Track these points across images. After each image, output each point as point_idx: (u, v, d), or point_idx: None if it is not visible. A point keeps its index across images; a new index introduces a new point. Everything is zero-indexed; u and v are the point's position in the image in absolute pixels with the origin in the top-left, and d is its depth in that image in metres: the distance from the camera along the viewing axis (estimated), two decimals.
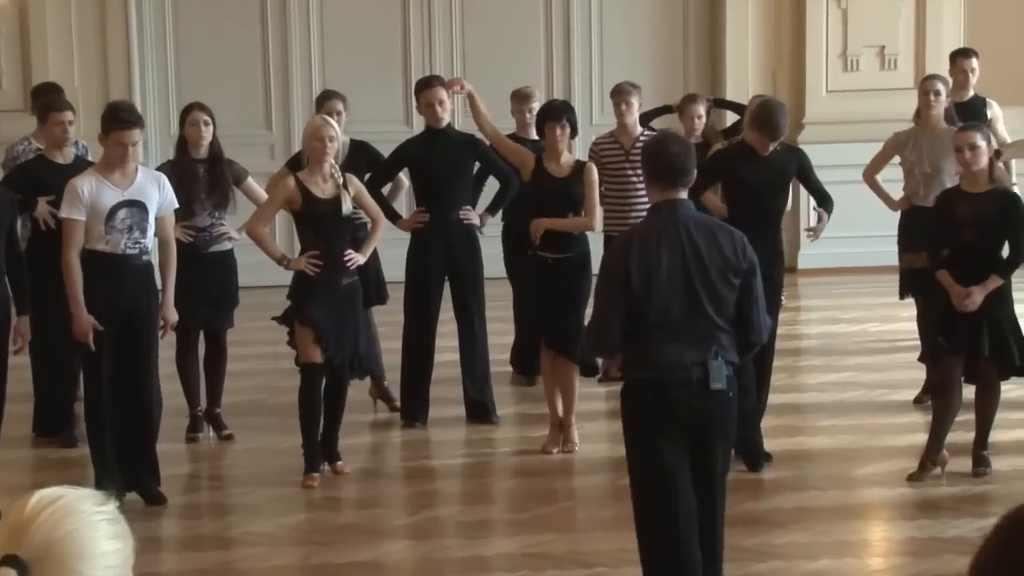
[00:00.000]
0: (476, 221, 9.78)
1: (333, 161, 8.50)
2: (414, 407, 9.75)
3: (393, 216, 9.52)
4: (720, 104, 12.56)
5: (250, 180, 9.52)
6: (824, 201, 9.00)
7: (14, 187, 8.88)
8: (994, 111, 11.12)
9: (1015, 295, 8.48)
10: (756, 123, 8.65)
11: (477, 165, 9.85)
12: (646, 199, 9.70)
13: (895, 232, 10.25)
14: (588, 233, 9.17)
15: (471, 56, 14.81)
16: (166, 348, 8.84)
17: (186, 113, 9.41)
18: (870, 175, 10.27)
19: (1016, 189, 9.49)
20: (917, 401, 9.96)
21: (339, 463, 8.77)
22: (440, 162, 9.55)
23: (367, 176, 9.41)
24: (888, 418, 9.68)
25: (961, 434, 8.54)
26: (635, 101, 10.55)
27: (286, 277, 8.74)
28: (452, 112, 10.04)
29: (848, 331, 12.39)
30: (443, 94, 9.63)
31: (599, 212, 9.29)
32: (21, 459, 9.29)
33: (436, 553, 7.49)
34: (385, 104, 14.38)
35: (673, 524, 5.89)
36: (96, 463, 8.14)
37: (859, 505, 8.12)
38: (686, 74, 15.11)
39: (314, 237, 8.54)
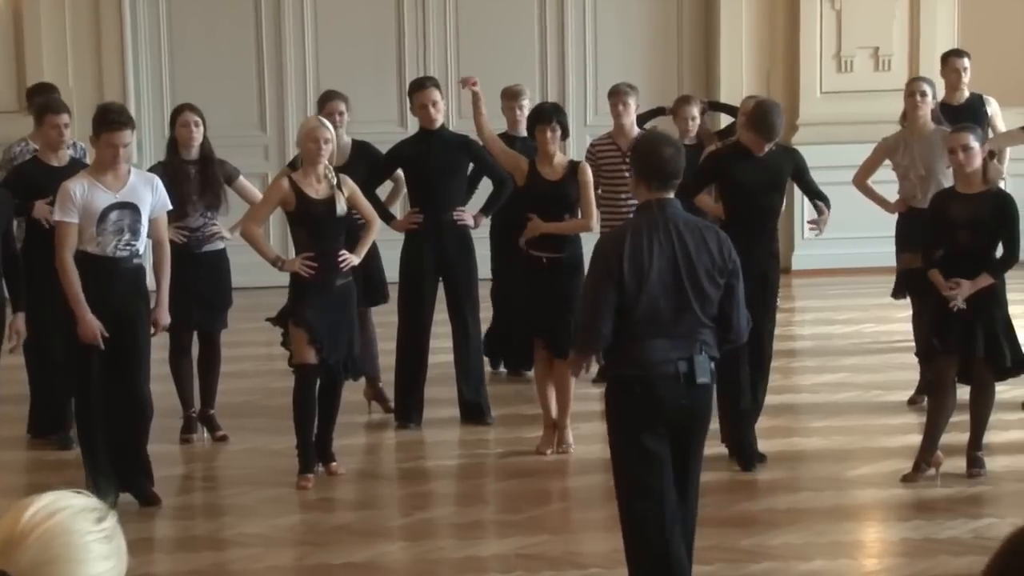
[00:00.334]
0: (470, 222, 9.79)
1: (327, 162, 8.49)
2: (408, 408, 9.75)
3: (387, 217, 9.52)
4: (715, 107, 12.56)
5: (242, 179, 9.53)
6: (820, 198, 8.98)
7: (9, 189, 8.87)
8: (993, 107, 11.15)
9: (1008, 295, 8.48)
10: (752, 124, 8.65)
11: (471, 166, 9.86)
12: None
13: (889, 233, 10.26)
14: (584, 233, 9.16)
15: (465, 57, 14.81)
16: (159, 349, 8.84)
17: (177, 114, 9.41)
18: (861, 180, 10.26)
19: (1009, 186, 9.49)
20: (911, 402, 9.97)
21: (333, 464, 8.77)
22: (434, 163, 9.55)
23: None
24: (882, 419, 9.69)
25: (955, 435, 8.54)
26: (632, 102, 10.55)
27: (280, 278, 8.74)
28: (446, 113, 10.05)
29: (842, 332, 12.40)
30: (437, 95, 9.63)
31: (596, 212, 9.27)
32: (16, 460, 9.30)
33: (430, 554, 7.49)
34: (379, 105, 14.38)
35: (660, 522, 5.97)
36: (87, 464, 8.13)
37: (853, 506, 8.13)
38: (680, 74, 15.12)
39: (308, 238, 8.53)
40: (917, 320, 9.86)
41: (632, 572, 6.14)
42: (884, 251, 10.44)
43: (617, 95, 10.62)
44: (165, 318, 8.20)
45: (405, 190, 10.02)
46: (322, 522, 7.97)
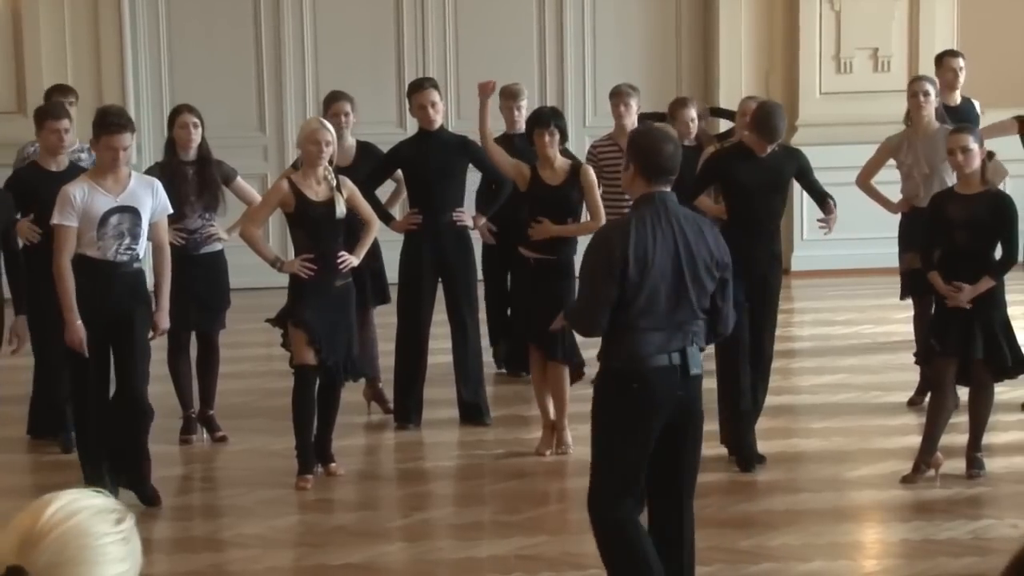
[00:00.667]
0: (469, 223, 9.79)
1: (328, 164, 8.48)
2: (407, 409, 9.75)
3: (386, 218, 9.52)
4: (716, 113, 12.57)
5: (240, 180, 9.53)
6: (825, 198, 8.97)
7: (10, 190, 8.89)
8: (978, 109, 11.21)
9: (1007, 296, 8.48)
10: (754, 125, 8.65)
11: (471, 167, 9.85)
12: None
13: (888, 234, 10.26)
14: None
15: (464, 58, 14.81)
16: (157, 350, 8.82)
17: (175, 115, 9.40)
18: (864, 180, 10.27)
19: (1009, 187, 9.49)
20: (911, 403, 9.97)
21: (332, 465, 8.77)
22: (433, 164, 9.55)
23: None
24: (881, 420, 9.69)
25: (955, 436, 8.55)
26: (634, 103, 10.55)
27: (279, 279, 8.74)
28: (445, 114, 10.04)
29: (842, 333, 12.40)
30: (436, 96, 9.62)
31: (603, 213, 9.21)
32: (17, 461, 9.30)
33: (429, 555, 7.49)
34: (378, 106, 14.37)
35: (637, 530, 6.02)
36: (85, 466, 8.12)
37: (852, 507, 8.13)
38: (679, 75, 15.11)
39: (307, 239, 8.53)
40: (919, 321, 9.86)
41: (612, 569, 6.15)
42: (883, 252, 10.44)
43: (619, 96, 10.62)
44: (165, 322, 8.19)
45: (406, 191, 10.02)
46: (321, 523, 7.96)
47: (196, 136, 9.26)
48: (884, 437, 9.30)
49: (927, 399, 9.06)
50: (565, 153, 9.28)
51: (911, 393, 10.03)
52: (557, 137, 9.01)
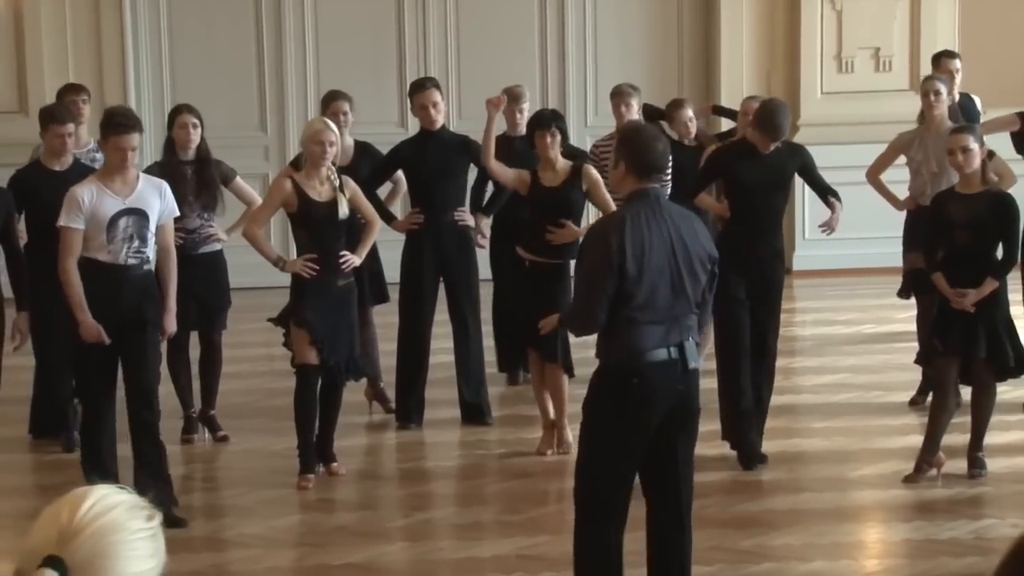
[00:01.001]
0: (470, 222, 9.78)
1: (331, 164, 8.48)
2: (409, 409, 9.75)
3: (388, 217, 9.51)
4: (718, 111, 12.57)
5: (239, 180, 9.52)
6: (830, 195, 8.96)
7: (11, 191, 8.89)
8: (978, 105, 11.21)
9: (1009, 296, 8.48)
10: (757, 123, 8.64)
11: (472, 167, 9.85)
12: None
13: (889, 233, 10.27)
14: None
15: (465, 58, 14.81)
16: None
17: (175, 115, 9.39)
18: (873, 175, 10.28)
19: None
20: (912, 403, 9.97)
21: (334, 464, 8.78)
22: (434, 164, 9.55)
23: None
24: (883, 420, 9.68)
25: (956, 436, 8.54)
26: (635, 103, 10.54)
27: (280, 278, 8.74)
28: (446, 114, 10.03)
29: (843, 332, 12.39)
30: (437, 96, 9.62)
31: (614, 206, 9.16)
32: (17, 461, 9.29)
33: (430, 555, 7.49)
34: (379, 105, 14.37)
35: (619, 550, 6.01)
36: (87, 465, 8.01)
37: (854, 507, 8.12)
38: (680, 75, 15.11)
39: (310, 239, 8.53)
40: (922, 320, 9.86)
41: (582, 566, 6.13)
42: (885, 251, 10.44)
43: (620, 95, 10.61)
44: (172, 326, 8.10)
45: (404, 190, 10.02)
46: (322, 523, 7.96)
47: (195, 136, 9.26)
48: (886, 437, 9.30)
49: (928, 399, 9.06)
50: (568, 149, 9.27)
51: (913, 393, 10.03)
52: (558, 138, 9.01)
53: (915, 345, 9.79)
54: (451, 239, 9.64)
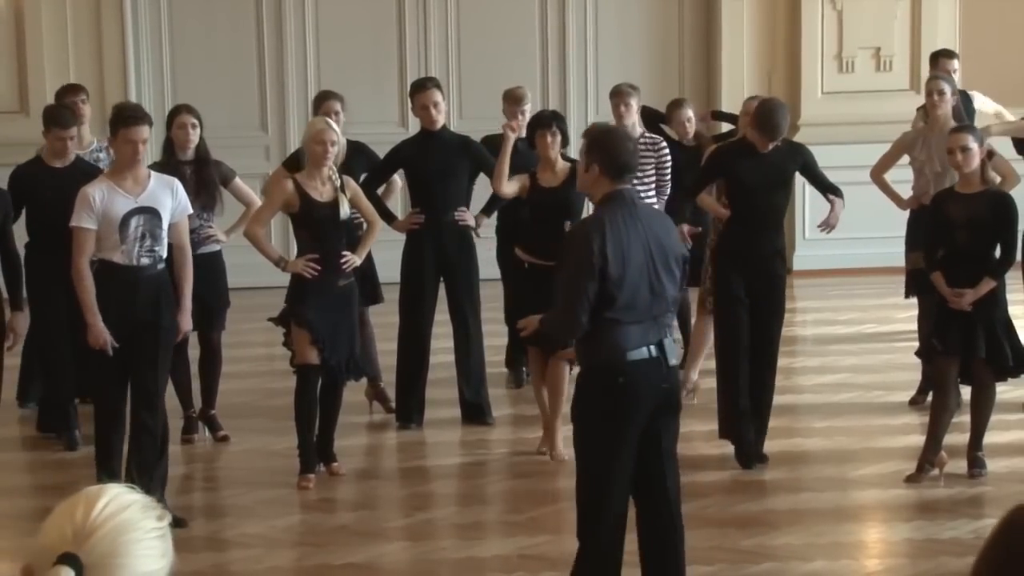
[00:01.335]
0: (471, 222, 9.78)
1: (332, 164, 8.48)
2: (409, 408, 9.75)
3: (388, 217, 9.51)
4: (718, 116, 12.57)
5: (238, 180, 9.50)
6: (832, 192, 8.95)
7: (9, 187, 8.89)
8: (979, 101, 11.20)
9: (1008, 296, 8.48)
10: (756, 122, 8.64)
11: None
12: (647, 199, 9.75)
13: (889, 233, 10.28)
14: None
15: (466, 58, 14.81)
16: None
17: (174, 115, 9.38)
18: (877, 174, 10.28)
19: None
20: (913, 402, 9.97)
21: (334, 464, 8.78)
22: (435, 164, 9.55)
23: (363, 177, 9.42)
24: (884, 419, 9.68)
25: (957, 436, 8.54)
26: (634, 103, 10.53)
27: (280, 278, 8.74)
28: (447, 114, 10.03)
29: (844, 332, 12.39)
30: (438, 96, 9.62)
31: None
32: (17, 461, 9.29)
33: (431, 554, 7.49)
34: (380, 105, 14.38)
35: (615, 523, 6.02)
36: (100, 464, 7.96)
37: (855, 507, 8.12)
38: (681, 75, 15.11)
39: (311, 239, 8.53)
40: (923, 320, 9.86)
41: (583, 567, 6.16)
42: (885, 251, 10.45)
43: (619, 95, 10.60)
44: (187, 324, 8.03)
45: (398, 190, 10.01)
46: (322, 522, 7.96)
47: (194, 136, 9.24)
48: (886, 436, 9.30)
49: (929, 398, 9.06)
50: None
51: (913, 392, 10.03)
52: (559, 139, 9.03)
53: (916, 345, 9.79)
54: (452, 239, 9.64)
